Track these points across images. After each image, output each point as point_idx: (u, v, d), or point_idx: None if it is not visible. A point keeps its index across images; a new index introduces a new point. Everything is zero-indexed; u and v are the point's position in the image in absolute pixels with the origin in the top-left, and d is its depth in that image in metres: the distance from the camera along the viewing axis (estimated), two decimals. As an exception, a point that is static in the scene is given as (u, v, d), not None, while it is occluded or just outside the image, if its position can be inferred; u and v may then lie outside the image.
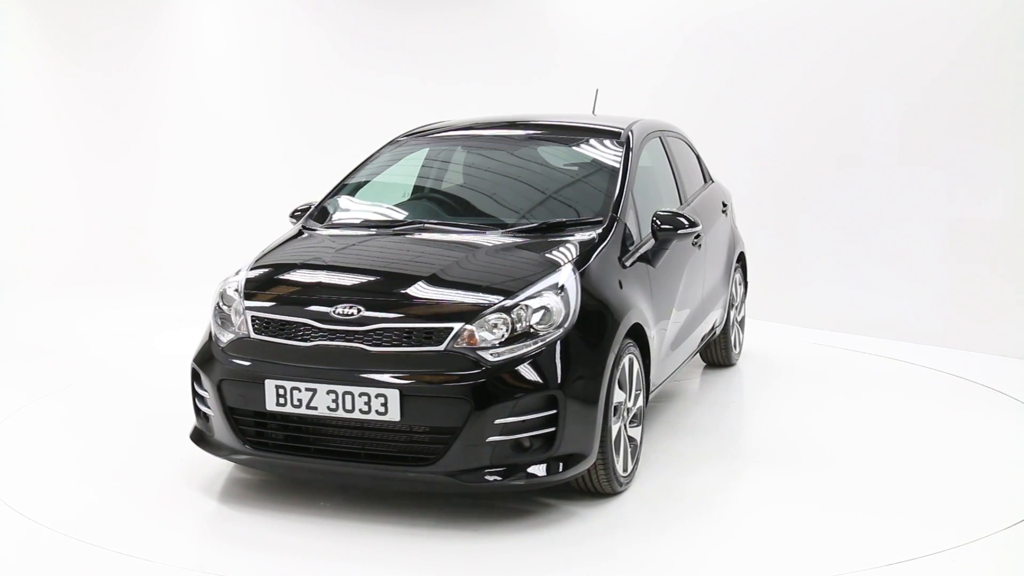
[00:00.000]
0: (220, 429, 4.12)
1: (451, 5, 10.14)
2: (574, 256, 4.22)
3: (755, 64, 8.19)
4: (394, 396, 3.75)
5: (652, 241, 4.79)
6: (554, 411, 3.79)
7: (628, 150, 5.00)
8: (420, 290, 4.03)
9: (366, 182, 5.25)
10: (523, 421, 3.76)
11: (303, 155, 10.50)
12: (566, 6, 9.60)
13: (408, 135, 5.61)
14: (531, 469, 3.79)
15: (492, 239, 4.46)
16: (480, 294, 3.97)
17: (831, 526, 4.02)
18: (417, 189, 5.27)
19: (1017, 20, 6.78)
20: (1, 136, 9.82)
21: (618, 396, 4.12)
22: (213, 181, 10.61)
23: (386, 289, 4.13)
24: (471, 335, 3.83)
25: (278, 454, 4.01)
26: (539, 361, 3.81)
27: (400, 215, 4.97)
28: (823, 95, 7.82)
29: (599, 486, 4.14)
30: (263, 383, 3.93)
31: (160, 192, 10.64)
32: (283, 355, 3.98)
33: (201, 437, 4.29)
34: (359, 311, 3.94)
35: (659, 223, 4.75)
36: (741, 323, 6.64)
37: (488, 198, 5.15)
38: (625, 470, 4.26)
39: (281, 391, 3.90)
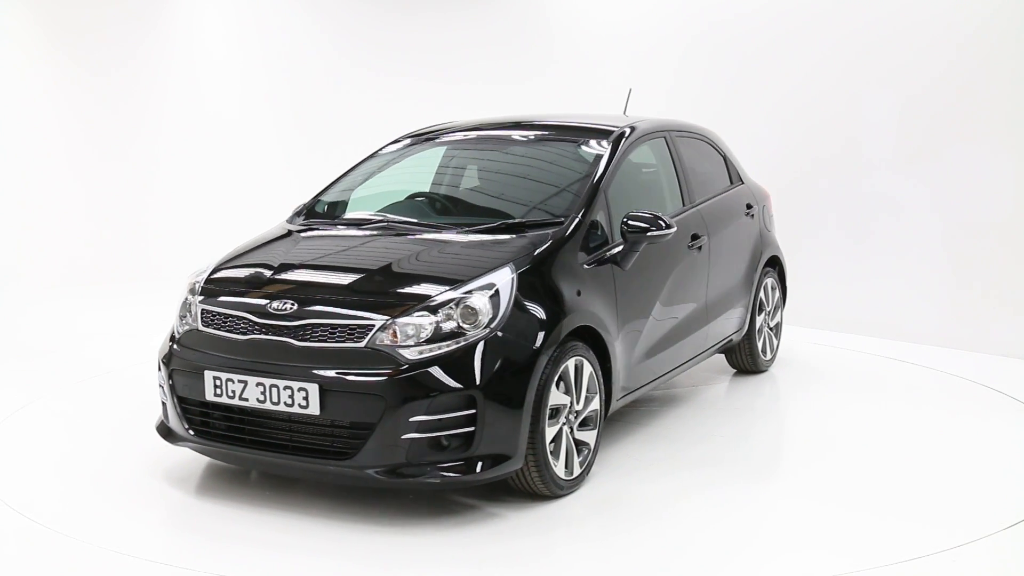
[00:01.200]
0: (172, 418, 4.31)
1: (451, 5, 10.14)
2: (518, 256, 4.21)
3: (755, 64, 8.18)
4: (314, 391, 3.84)
5: (622, 243, 4.67)
6: (472, 411, 3.80)
7: (612, 151, 4.94)
8: (353, 287, 4.13)
9: (355, 182, 5.38)
10: (440, 420, 3.78)
11: (303, 154, 10.51)
12: (566, 6, 9.59)
13: (410, 136, 5.69)
14: (448, 467, 3.81)
15: (448, 238, 4.51)
16: (410, 293, 4.02)
17: (830, 526, 4.02)
18: (399, 190, 5.36)
19: (1018, 19, 6.78)
20: (1, 136, 9.82)
21: (560, 399, 4.11)
22: (213, 181, 10.61)
23: (323, 285, 4.21)
24: (393, 333, 3.87)
25: (220, 443, 4.14)
26: (459, 361, 3.83)
27: (369, 214, 5.03)
28: (821, 96, 7.81)
29: (535, 488, 4.11)
30: (203, 374, 4.08)
31: (160, 192, 10.64)
32: (221, 347, 4.14)
33: (165, 429, 4.43)
34: (292, 306, 4.04)
35: (627, 225, 4.61)
36: (775, 329, 6.47)
37: (462, 198, 5.23)
38: (570, 474, 4.22)
39: (218, 382, 4.05)
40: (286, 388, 3.89)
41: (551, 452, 4.08)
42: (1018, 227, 6.87)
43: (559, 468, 4.14)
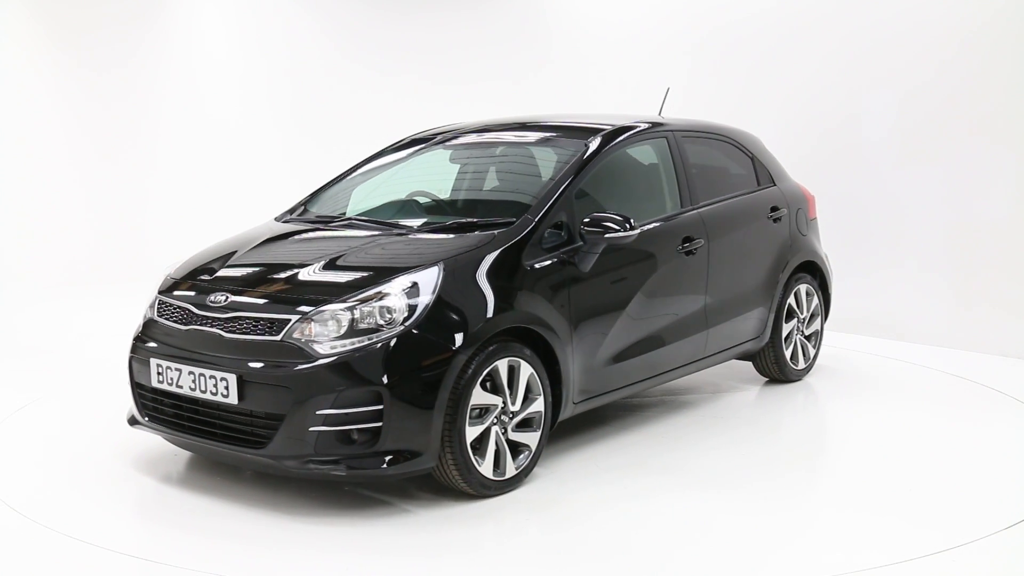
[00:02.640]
0: (132, 403, 4.56)
1: (452, 5, 10.14)
2: (450, 256, 4.24)
3: (755, 64, 8.18)
4: (233, 381, 3.99)
5: (581, 244, 4.60)
6: (379, 407, 3.86)
7: (587, 153, 4.91)
8: (284, 281, 4.28)
9: (351, 183, 5.50)
10: (347, 414, 3.86)
11: (303, 154, 10.51)
12: (565, 6, 9.59)
13: (411, 137, 5.78)
14: (354, 461, 3.90)
15: (397, 237, 4.59)
16: (332, 288, 4.12)
17: (830, 526, 4.02)
18: (381, 190, 5.43)
19: (1019, 19, 6.78)
20: (1, 136, 9.83)
21: (487, 399, 4.12)
22: (213, 180, 10.62)
23: (258, 279, 4.36)
24: (309, 327, 3.96)
25: (166, 428, 4.36)
26: (368, 357, 3.89)
27: (338, 212, 5.17)
28: (821, 96, 7.81)
29: (458, 486, 4.14)
30: (149, 361, 4.31)
31: (160, 191, 10.64)
32: (166, 336, 4.37)
33: (131, 416, 4.62)
34: (225, 299, 4.21)
35: (585, 226, 4.57)
36: (812, 337, 6.22)
37: (433, 199, 5.28)
38: (501, 474, 4.22)
39: (160, 369, 4.28)
40: (211, 377, 4.06)
41: (475, 452, 4.11)
42: (1018, 227, 6.87)
43: (485, 468, 4.15)
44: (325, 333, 3.94)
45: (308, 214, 5.23)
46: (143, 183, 10.58)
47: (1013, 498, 4.28)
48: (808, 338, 6.22)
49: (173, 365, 4.21)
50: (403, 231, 4.66)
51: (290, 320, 3.99)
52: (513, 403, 4.25)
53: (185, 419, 4.24)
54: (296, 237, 4.86)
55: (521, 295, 4.32)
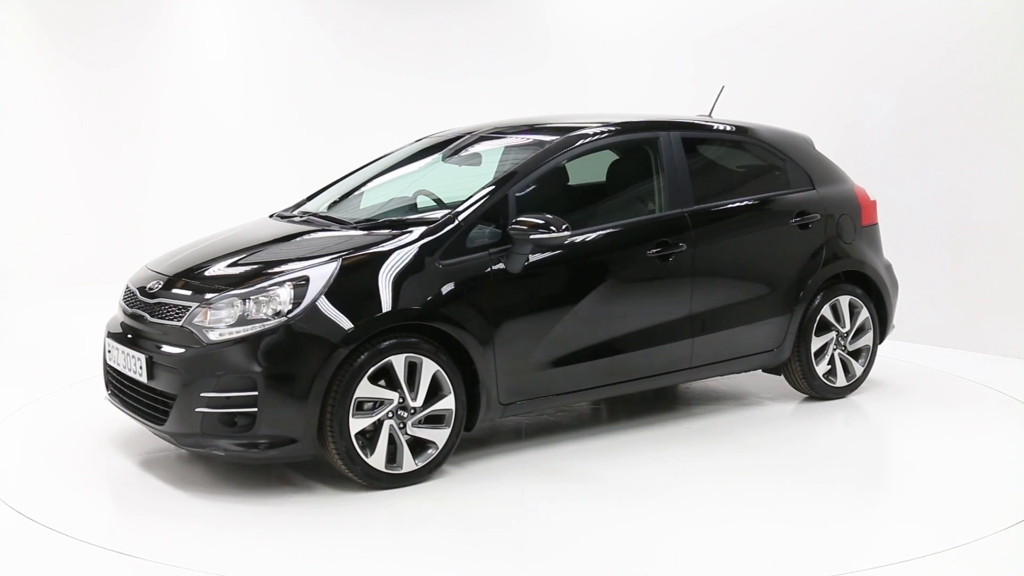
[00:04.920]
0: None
1: (452, 6, 10.14)
2: (351, 251, 4.40)
3: (755, 64, 8.19)
4: (143, 361, 4.36)
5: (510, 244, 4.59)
6: (255, 393, 4.09)
7: (545, 153, 4.89)
8: (200, 269, 4.57)
9: (342, 179, 5.69)
10: (228, 398, 4.12)
11: (304, 153, 10.51)
12: (565, 5, 9.60)
13: (419, 140, 5.86)
14: (232, 442, 4.15)
15: (325, 233, 4.76)
16: (235, 279, 4.37)
17: (829, 526, 4.01)
18: (361, 188, 5.53)
19: (1020, 19, 6.78)
20: (0, 135, 9.83)
21: (378, 393, 4.25)
22: (213, 180, 10.61)
23: (190, 268, 4.62)
24: (205, 314, 4.23)
25: (119, 403, 4.69)
26: (246, 345, 4.12)
27: (311, 208, 5.38)
28: (820, 96, 7.81)
29: (344, 474, 4.30)
30: (106, 340, 4.75)
31: (160, 191, 10.63)
32: (118, 318, 4.78)
33: None
34: (158, 285, 4.55)
35: (512, 227, 4.56)
36: (858, 354, 5.80)
37: (399, 198, 5.33)
38: (397, 468, 4.33)
39: (109, 347, 4.71)
40: (133, 357, 4.44)
41: (363, 444, 4.25)
42: (1018, 227, 6.87)
43: (375, 460, 4.27)
44: (219, 320, 4.20)
45: (296, 210, 5.39)
46: (143, 183, 10.57)
47: (1013, 498, 4.29)
48: (854, 354, 5.81)
49: (116, 345, 4.60)
50: (340, 227, 4.81)
51: (191, 307, 4.29)
52: (414, 399, 4.33)
53: (125, 395, 4.61)
54: (251, 231, 5.03)
55: (426, 293, 4.39)
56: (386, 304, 4.28)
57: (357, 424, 4.22)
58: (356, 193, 5.48)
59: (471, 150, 5.42)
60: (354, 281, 4.29)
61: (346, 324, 4.19)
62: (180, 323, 4.28)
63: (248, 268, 4.46)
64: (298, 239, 4.76)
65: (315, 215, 5.19)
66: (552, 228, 4.48)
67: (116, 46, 10.34)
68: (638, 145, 5.29)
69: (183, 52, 10.59)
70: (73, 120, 10.29)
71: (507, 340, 4.56)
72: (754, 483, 4.49)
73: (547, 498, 4.30)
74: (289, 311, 4.16)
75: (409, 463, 4.35)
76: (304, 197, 5.70)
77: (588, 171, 5.39)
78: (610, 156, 5.43)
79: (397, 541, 3.91)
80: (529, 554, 3.75)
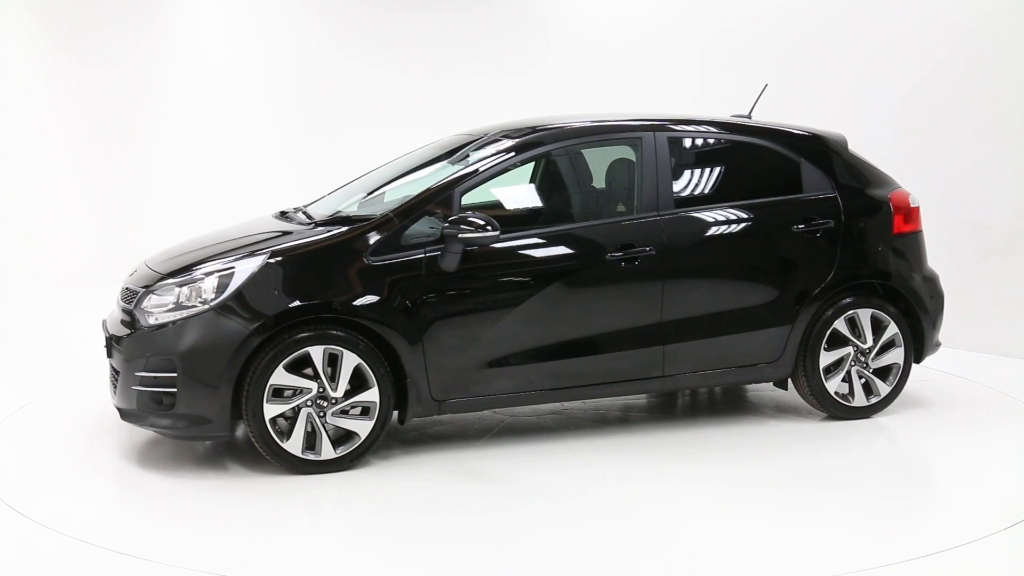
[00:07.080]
0: None
1: (452, 5, 10.14)
2: (279, 245, 4.61)
3: (754, 65, 8.19)
4: (104, 340, 4.77)
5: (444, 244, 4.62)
6: (174, 374, 4.38)
7: (505, 152, 4.88)
8: (165, 258, 4.87)
9: (356, 179, 5.71)
10: (155, 377, 4.43)
11: (304, 152, 10.50)
12: (564, 5, 9.60)
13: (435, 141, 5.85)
14: (160, 419, 4.48)
15: (285, 228, 4.92)
16: (181, 269, 4.62)
17: (829, 526, 4.02)
18: (354, 185, 5.61)
19: (1020, 18, 6.78)
20: (0, 135, 9.82)
21: (295, 381, 4.44)
22: (214, 180, 10.60)
23: (165, 258, 4.91)
24: (151, 300, 4.56)
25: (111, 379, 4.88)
26: (174, 331, 4.43)
27: (320, 204, 5.48)
28: (820, 95, 7.81)
29: (267, 458, 4.49)
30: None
31: (160, 191, 10.62)
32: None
33: None
34: (135, 272, 4.92)
35: (444, 226, 4.60)
36: (885, 372, 5.37)
37: (371, 197, 5.28)
38: (317, 455, 4.49)
39: (104, 327, 4.92)
40: (106, 336, 4.77)
41: (279, 429, 4.46)
42: (1018, 227, 6.86)
43: (291, 445, 4.46)
44: (158, 306, 4.51)
45: (301, 210, 5.42)
46: (143, 182, 10.57)
47: (1013, 498, 4.28)
48: (881, 373, 5.37)
49: (106, 323, 4.94)
50: (308, 225, 4.91)
51: (139, 293, 4.61)
52: (334, 390, 4.47)
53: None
54: (242, 229, 5.13)
55: (349, 288, 4.52)
56: (303, 297, 4.46)
57: (272, 410, 4.43)
58: (380, 191, 5.27)
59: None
60: (278, 274, 4.49)
61: (260, 314, 4.40)
62: (132, 307, 4.61)
63: (194, 259, 4.69)
64: (256, 235, 4.88)
65: (305, 212, 5.27)
66: (488, 228, 4.52)
67: (116, 46, 10.34)
68: (620, 146, 5.19)
69: (183, 52, 10.59)
70: (73, 120, 10.28)
71: (439, 337, 4.62)
72: (759, 489, 4.49)
73: (458, 495, 4.32)
74: (212, 299, 4.42)
75: (328, 451, 4.51)
76: (324, 193, 5.71)
77: (569, 171, 5.31)
78: (599, 157, 5.31)
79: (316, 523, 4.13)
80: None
